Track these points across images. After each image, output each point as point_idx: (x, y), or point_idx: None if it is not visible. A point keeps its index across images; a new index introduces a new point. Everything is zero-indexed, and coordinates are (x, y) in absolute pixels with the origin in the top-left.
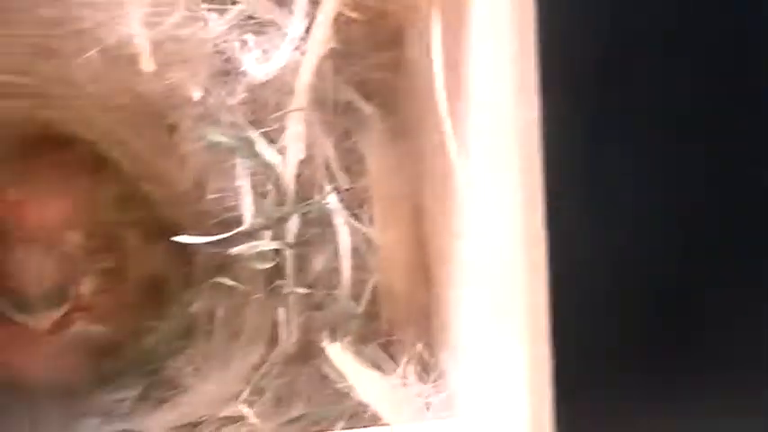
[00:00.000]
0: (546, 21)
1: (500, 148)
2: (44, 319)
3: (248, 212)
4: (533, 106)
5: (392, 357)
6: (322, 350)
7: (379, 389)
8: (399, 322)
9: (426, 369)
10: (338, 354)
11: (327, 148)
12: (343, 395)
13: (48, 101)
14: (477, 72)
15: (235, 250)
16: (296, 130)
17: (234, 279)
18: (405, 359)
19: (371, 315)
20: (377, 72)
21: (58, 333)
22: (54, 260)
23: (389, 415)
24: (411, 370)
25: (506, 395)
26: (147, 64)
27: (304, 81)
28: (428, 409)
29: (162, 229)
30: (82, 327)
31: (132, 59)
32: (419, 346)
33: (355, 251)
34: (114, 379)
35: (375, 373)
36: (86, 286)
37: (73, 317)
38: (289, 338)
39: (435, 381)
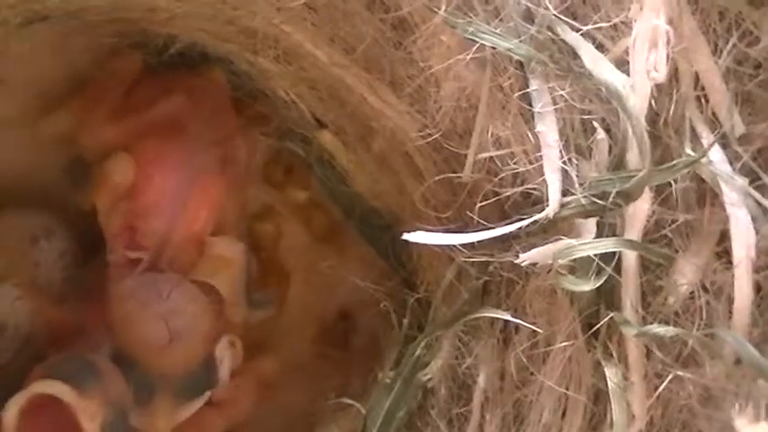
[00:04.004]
0: None
1: None
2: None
3: (554, 185)
4: None
5: None
6: None
7: None
8: None
9: None
10: None
11: (705, 60)
12: None
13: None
14: None
15: (523, 257)
16: (648, 28)
17: (519, 313)
18: None
19: None
20: None
21: None
22: (198, 306)
23: None
24: None
25: None
26: None
27: None
28: None
29: (364, 222)
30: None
31: None
32: None
33: (761, 249)
34: None
35: None
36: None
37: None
38: (630, 418)
39: None
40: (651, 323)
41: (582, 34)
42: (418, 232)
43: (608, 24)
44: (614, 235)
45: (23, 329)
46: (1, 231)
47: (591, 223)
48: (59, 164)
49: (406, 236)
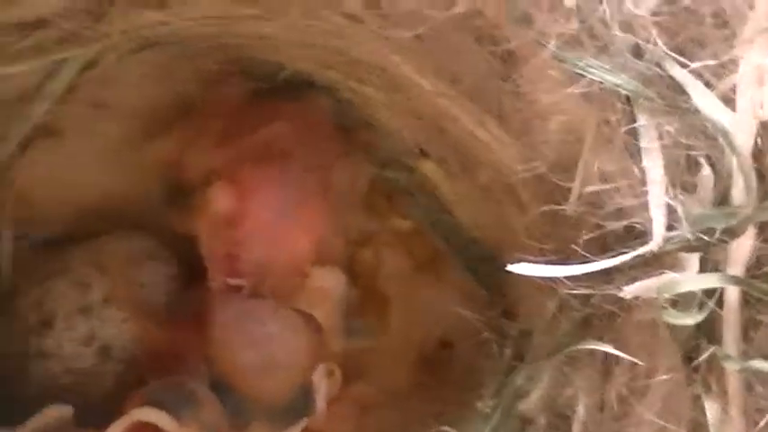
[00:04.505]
0: None
1: None
2: None
3: (659, 220)
4: None
5: None
6: None
7: None
8: None
9: None
10: None
11: None
12: None
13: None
14: None
15: (628, 291)
16: (755, 66)
17: (620, 345)
18: None
19: None
20: None
21: None
22: (296, 334)
23: None
24: None
25: None
26: None
27: None
28: None
29: (465, 251)
30: None
31: None
32: None
33: None
34: None
35: None
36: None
37: None
38: None
39: None
40: (752, 358)
41: (691, 71)
42: (521, 264)
43: (715, 62)
44: (716, 269)
45: (128, 352)
46: (107, 254)
47: (694, 257)
48: (163, 188)
49: (509, 267)
